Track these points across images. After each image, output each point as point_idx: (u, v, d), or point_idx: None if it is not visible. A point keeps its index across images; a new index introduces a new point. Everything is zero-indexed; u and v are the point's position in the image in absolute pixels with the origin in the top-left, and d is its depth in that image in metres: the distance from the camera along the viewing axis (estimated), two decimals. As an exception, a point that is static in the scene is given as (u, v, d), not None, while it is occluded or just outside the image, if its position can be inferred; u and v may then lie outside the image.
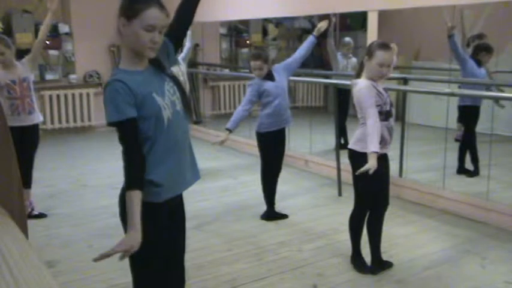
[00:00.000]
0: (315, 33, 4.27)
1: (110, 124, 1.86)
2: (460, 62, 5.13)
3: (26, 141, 4.04)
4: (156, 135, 1.88)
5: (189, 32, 5.72)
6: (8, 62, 4.08)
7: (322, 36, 4.52)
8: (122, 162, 1.88)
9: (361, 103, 3.04)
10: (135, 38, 1.83)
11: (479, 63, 5.12)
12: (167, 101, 1.89)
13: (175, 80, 2.01)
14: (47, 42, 7.57)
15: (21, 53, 4.33)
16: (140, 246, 1.97)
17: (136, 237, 1.81)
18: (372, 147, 2.96)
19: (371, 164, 2.92)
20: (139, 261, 1.99)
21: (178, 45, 2.14)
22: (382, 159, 3.19)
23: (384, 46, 3.06)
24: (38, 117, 4.29)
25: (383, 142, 3.09)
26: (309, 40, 4.28)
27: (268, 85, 4.04)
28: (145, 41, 1.83)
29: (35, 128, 4.24)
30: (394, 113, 3.16)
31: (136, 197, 1.82)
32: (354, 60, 6.48)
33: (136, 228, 1.81)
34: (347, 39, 6.53)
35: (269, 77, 4.08)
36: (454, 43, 4.98)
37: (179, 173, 1.96)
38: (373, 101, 3.02)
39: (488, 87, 5.11)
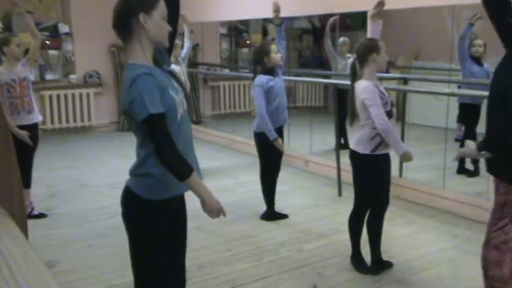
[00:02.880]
0: (275, 22, 4.32)
1: (149, 118, 1.77)
2: (460, 60, 5.13)
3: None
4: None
5: (186, 33, 5.74)
6: (18, 56, 4.13)
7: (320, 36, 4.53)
8: (161, 158, 1.83)
9: (367, 101, 3.03)
10: (158, 29, 1.88)
11: (479, 62, 5.12)
12: (179, 98, 1.92)
13: (178, 80, 2.02)
14: (47, 42, 7.60)
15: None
16: (142, 245, 1.98)
17: (213, 202, 1.92)
18: (400, 148, 3.01)
19: (409, 158, 3.03)
20: (141, 261, 2.01)
21: (170, 47, 2.12)
22: (385, 159, 3.20)
23: (375, 39, 3.22)
24: (37, 117, 4.29)
25: (385, 143, 3.09)
26: (276, 31, 4.33)
27: (273, 82, 4.04)
28: (166, 29, 1.91)
29: (34, 127, 4.24)
30: (395, 112, 3.17)
31: (196, 179, 1.89)
32: (352, 59, 6.47)
33: (209, 196, 1.92)
34: (342, 39, 6.51)
35: (273, 72, 4.08)
36: (467, 32, 4.98)
37: None
38: (379, 99, 3.03)
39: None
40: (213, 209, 1.93)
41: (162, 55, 2.06)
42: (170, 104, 1.86)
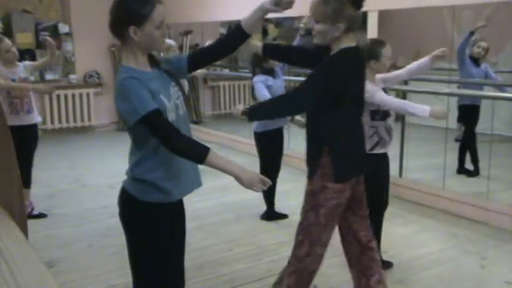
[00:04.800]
0: (300, 33, 4.28)
1: (141, 119, 1.75)
2: (459, 62, 5.15)
3: (25, 141, 4.05)
4: None
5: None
6: (13, 59, 4.14)
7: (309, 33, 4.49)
8: (170, 149, 1.80)
9: (367, 94, 3.01)
10: (150, 39, 1.84)
11: (476, 62, 5.12)
12: (172, 104, 1.89)
13: (179, 84, 2.01)
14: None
15: (21, 53, 4.38)
16: (139, 246, 1.98)
17: (249, 175, 1.80)
18: (424, 111, 2.91)
19: (441, 114, 2.93)
20: (139, 261, 2.00)
21: (192, 69, 2.10)
22: (382, 159, 3.20)
23: (382, 42, 3.12)
24: (36, 117, 4.30)
25: (382, 142, 3.10)
26: (297, 40, 4.30)
27: (272, 82, 4.05)
28: (160, 38, 1.86)
29: (33, 128, 4.25)
30: (392, 113, 3.16)
31: (216, 157, 1.79)
32: None
33: (241, 169, 1.80)
34: None
35: (272, 73, 4.09)
36: (467, 41, 5.00)
37: (181, 178, 1.95)
38: (374, 86, 3.03)
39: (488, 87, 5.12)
40: (253, 182, 1.80)
41: (179, 63, 2.04)
42: (160, 108, 1.82)
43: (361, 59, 2.44)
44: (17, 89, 4.06)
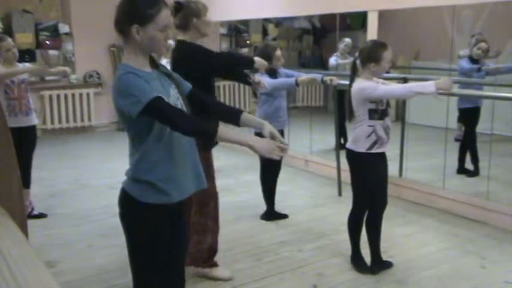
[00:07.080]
0: (323, 79, 4.27)
1: (144, 109, 1.75)
2: (460, 75, 5.18)
3: (24, 142, 4.05)
4: (160, 133, 1.87)
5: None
6: (13, 59, 4.14)
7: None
8: (179, 132, 1.80)
9: (369, 93, 3.01)
10: (152, 41, 1.85)
11: (476, 63, 5.12)
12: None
13: (179, 87, 2.00)
14: (47, 42, 7.62)
15: (21, 53, 4.38)
16: (139, 246, 1.98)
17: (262, 144, 1.79)
18: (429, 86, 2.86)
19: (446, 83, 2.87)
20: (138, 262, 2.00)
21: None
22: (380, 158, 3.20)
23: (384, 45, 3.07)
24: (35, 119, 4.29)
25: (380, 141, 3.10)
26: (315, 76, 4.30)
27: None
28: (162, 41, 1.87)
29: (32, 129, 4.25)
30: (390, 112, 3.16)
31: (226, 130, 1.79)
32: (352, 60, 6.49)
33: (253, 139, 1.80)
34: (347, 39, 6.53)
35: (274, 74, 4.09)
36: (473, 71, 5.04)
37: (181, 179, 1.94)
38: (375, 83, 3.04)
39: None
40: (270, 150, 1.79)
41: (172, 77, 2.02)
42: None
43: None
44: (26, 71, 4.07)
